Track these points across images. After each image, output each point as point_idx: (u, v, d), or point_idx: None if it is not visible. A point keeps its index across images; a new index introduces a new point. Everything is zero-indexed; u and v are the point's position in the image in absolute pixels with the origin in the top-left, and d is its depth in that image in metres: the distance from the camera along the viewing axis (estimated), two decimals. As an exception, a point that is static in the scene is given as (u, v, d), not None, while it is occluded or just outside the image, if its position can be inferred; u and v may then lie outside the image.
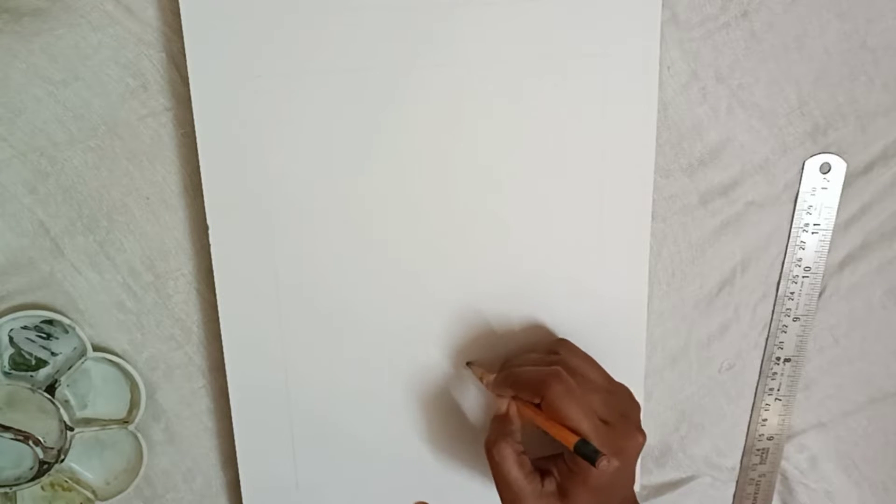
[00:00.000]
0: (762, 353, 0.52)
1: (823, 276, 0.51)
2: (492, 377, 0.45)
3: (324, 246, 0.44)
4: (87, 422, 0.45)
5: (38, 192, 0.42)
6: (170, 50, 0.41)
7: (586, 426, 0.40)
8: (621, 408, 0.43)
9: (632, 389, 0.45)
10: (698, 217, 0.49)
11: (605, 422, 0.41)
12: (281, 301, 0.45)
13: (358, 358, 0.46)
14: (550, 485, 0.42)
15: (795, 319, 0.51)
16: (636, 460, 0.43)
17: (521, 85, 0.44)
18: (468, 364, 0.47)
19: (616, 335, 0.48)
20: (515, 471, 0.41)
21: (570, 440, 0.39)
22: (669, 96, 0.46)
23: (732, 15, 0.46)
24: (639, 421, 0.43)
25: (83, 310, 0.44)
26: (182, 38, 0.40)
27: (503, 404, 0.44)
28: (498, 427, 0.43)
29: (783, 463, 0.54)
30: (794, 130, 0.48)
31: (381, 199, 0.44)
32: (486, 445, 0.42)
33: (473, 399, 0.48)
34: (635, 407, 0.44)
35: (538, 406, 0.41)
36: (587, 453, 0.38)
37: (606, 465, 0.38)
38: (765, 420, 0.53)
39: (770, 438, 0.53)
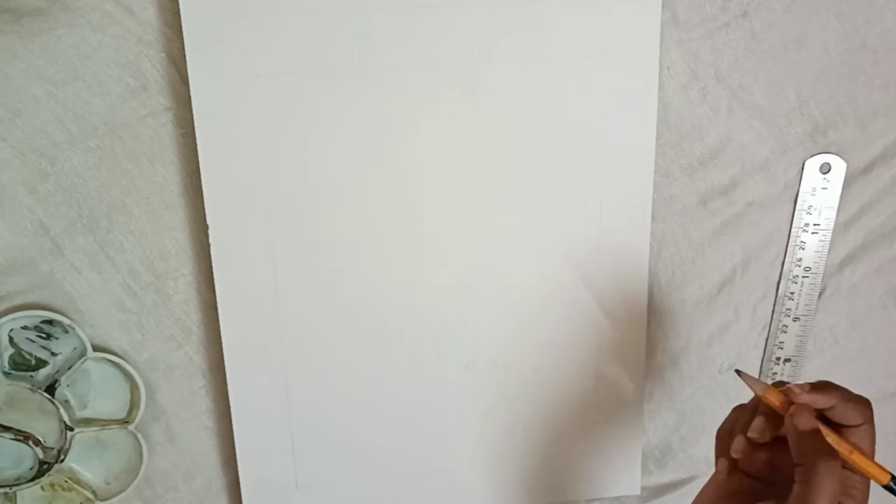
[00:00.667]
0: (762, 353, 0.52)
1: (823, 276, 0.51)
2: (802, 386, 0.40)
3: (324, 246, 0.44)
4: (87, 422, 0.45)
5: (38, 192, 0.42)
6: (170, 50, 0.41)
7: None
8: None
9: (632, 389, 0.44)
10: (698, 217, 0.49)
11: None
12: (281, 301, 0.45)
13: (358, 358, 0.46)
14: None
15: (795, 319, 0.51)
16: None
17: (521, 85, 0.44)
18: (738, 372, 0.41)
19: (616, 336, 0.48)
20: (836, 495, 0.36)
21: (881, 475, 0.38)
22: (669, 96, 0.46)
23: (732, 15, 0.46)
24: None
25: (83, 310, 0.44)
26: (182, 38, 0.40)
27: (811, 421, 0.39)
28: (823, 442, 0.38)
29: (783, 463, 0.54)
30: (794, 130, 0.48)
31: (380, 199, 0.44)
32: (823, 457, 0.37)
33: (473, 399, 0.48)
34: None
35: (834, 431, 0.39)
36: None
37: None
38: (765, 420, 0.53)
39: (770, 438, 0.53)
